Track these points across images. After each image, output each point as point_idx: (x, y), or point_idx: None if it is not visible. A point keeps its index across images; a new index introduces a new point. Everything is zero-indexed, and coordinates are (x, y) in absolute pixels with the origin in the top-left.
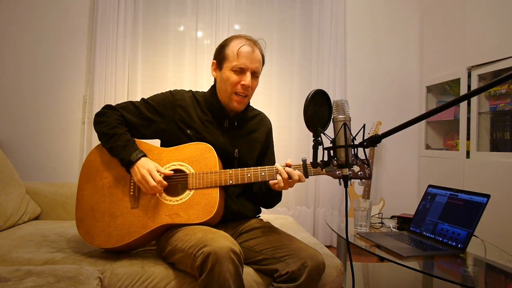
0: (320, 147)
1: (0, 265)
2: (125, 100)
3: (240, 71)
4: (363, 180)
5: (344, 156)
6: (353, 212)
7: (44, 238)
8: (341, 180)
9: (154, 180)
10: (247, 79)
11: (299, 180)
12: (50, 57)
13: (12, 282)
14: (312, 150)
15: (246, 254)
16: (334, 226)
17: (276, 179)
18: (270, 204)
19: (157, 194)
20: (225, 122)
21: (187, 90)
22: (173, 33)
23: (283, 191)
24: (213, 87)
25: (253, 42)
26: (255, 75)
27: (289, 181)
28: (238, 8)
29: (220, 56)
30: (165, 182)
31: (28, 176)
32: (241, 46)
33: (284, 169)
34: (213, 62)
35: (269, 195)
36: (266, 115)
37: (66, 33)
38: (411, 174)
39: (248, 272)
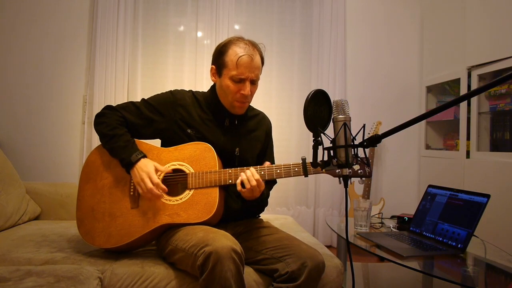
0: (320, 147)
1: (0, 265)
2: (125, 101)
3: (239, 81)
4: (363, 179)
5: (344, 156)
6: (353, 212)
7: (44, 238)
8: (341, 178)
9: (152, 183)
10: (246, 89)
11: (258, 186)
12: (50, 57)
13: (12, 282)
14: (312, 150)
15: (246, 254)
16: (334, 226)
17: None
18: (256, 211)
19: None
20: (225, 121)
21: (187, 90)
22: (173, 33)
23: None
24: (213, 87)
25: (252, 48)
26: (254, 82)
27: (243, 190)
28: (238, 8)
29: (219, 63)
30: (163, 186)
31: (28, 176)
32: (240, 57)
33: (244, 173)
34: (212, 67)
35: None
36: (266, 115)
37: (66, 33)
38: (411, 174)
39: (248, 272)
